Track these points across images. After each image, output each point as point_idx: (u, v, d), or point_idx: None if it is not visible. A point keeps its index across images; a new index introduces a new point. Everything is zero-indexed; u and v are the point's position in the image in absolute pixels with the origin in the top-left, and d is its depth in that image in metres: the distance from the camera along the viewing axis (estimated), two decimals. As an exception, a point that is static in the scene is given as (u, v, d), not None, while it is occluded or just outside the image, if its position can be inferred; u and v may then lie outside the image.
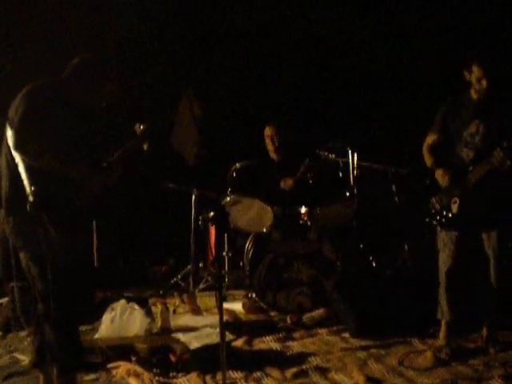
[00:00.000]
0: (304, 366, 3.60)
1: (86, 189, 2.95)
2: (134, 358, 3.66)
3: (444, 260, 3.76)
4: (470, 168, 3.62)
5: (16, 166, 2.80)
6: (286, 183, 5.26)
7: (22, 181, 2.75)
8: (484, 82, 3.58)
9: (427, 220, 3.81)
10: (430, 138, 3.89)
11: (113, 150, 3.16)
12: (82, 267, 3.02)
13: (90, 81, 3.09)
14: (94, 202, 3.01)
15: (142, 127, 3.22)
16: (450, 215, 3.68)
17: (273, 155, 5.55)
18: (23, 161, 2.77)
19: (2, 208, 2.97)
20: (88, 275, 3.27)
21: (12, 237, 2.96)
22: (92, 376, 3.51)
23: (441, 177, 3.73)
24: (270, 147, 5.53)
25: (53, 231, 2.74)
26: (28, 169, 2.76)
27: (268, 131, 5.51)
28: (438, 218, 3.74)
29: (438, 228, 3.80)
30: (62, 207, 2.78)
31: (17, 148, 2.77)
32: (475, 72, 3.60)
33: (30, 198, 2.68)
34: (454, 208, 3.66)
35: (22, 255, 2.97)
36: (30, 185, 2.71)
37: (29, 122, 2.79)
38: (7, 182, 2.91)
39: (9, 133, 2.84)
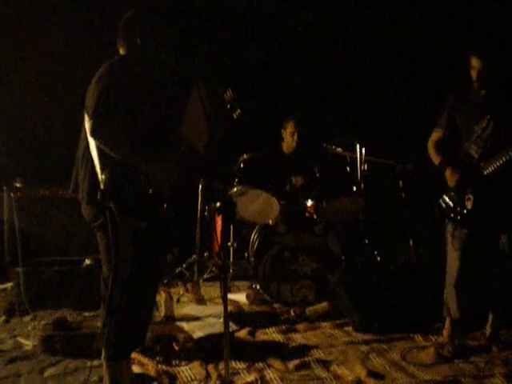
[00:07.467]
0: (306, 359, 3.60)
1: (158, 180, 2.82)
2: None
3: (453, 258, 3.69)
4: (482, 164, 3.55)
5: (90, 153, 2.72)
6: (298, 181, 5.27)
7: (95, 168, 2.68)
8: (485, 73, 3.52)
9: (439, 217, 3.73)
10: (436, 135, 3.83)
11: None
12: (148, 259, 2.92)
13: (146, 34, 2.90)
14: (166, 192, 2.84)
15: (229, 93, 2.89)
16: (465, 211, 3.59)
17: (288, 149, 5.52)
18: (97, 147, 2.68)
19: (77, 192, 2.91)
20: (156, 269, 3.08)
21: (91, 222, 2.89)
22: (95, 363, 3.51)
23: (449, 176, 3.65)
24: (289, 141, 5.51)
25: (120, 221, 2.65)
26: (101, 155, 2.67)
27: (291, 126, 5.47)
28: (453, 215, 3.65)
29: (449, 225, 3.70)
30: (133, 197, 2.69)
31: (92, 134, 2.66)
32: (474, 64, 3.55)
33: (101, 186, 2.61)
34: (469, 204, 3.58)
35: (99, 237, 2.94)
36: (102, 172, 2.63)
37: (104, 106, 2.67)
38: (87, 171, 2.81)
39: (86, 119, 2.74)
